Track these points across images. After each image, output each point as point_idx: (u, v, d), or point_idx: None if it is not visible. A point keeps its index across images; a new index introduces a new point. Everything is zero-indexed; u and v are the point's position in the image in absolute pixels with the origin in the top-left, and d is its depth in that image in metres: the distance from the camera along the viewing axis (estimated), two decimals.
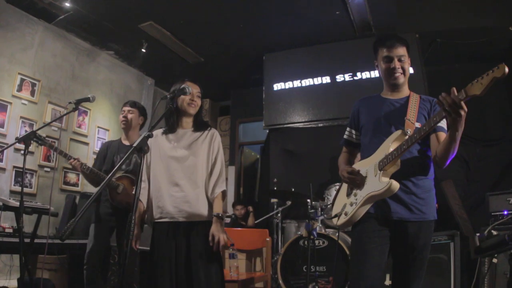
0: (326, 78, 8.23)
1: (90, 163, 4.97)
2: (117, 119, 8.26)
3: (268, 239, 5.05)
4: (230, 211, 8.38)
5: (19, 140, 3.88)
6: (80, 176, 7.70)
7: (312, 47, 8.40)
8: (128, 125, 5.01)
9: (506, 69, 2.27)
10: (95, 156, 5.04)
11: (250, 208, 8.41)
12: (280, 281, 5.67)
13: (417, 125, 2.92)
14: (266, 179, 8.75)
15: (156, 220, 3.46)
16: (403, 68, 3.14)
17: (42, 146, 6.92)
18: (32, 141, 4.08)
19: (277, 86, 8.64)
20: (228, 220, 8.06)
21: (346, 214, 3.04)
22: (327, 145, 7.56)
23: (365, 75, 7.88)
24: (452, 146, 2.68)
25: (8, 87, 6.68)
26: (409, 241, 2.86)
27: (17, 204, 4.23)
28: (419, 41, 7.44)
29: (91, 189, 7.44)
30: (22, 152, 6.29)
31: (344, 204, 3.12)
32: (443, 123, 2.71)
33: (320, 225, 5.97)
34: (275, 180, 7.43)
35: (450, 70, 8.12)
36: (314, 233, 4.93)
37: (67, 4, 6.93)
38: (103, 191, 4.60)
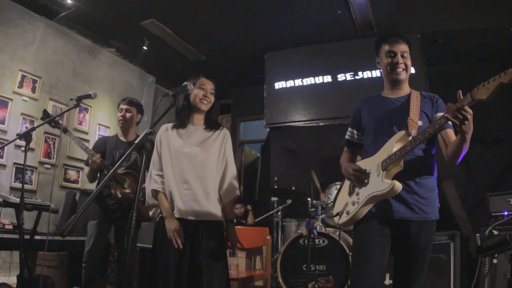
0: (327, 77, 8.23)
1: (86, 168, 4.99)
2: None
3: (268, 237, 5.06)
4: None
5: (20, 136, 3.88)
6: (81, 173, 7.70)
7: (313, 46, 8.40)
8: (125, 123, 5.04)
9: None
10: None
11: (249, 207, 8.41)
12: (280, 280, 5.67)
13: (420, 123, 2.92)
14: (267, 178, 8.75)
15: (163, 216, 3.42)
16: (405, 64, 3.15)
17: (43, 143, 6.96)
18: (45, 123, 4.17)
19: (278, 85, 8.64)
20: None
21: (347, 213, 3.03)
22: (328, 144, 7.55)
23: (367, 74, 7.88)
24: (463, 147, 2.70)
25: (9, 83, 6.67)
26: (411, 240, 2.86)
27: (17, 200, 4.22)
28: (421, 41, 7.44)
29: (91, 186, 7.43)
30: (23, 148, 6.32)
31: (346, 203, 3.11)
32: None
33: (321, 224, 5.97)
34: (276, 178, 7.43)
35: (451, 70, 8.13)
36: (315, 231, 4.93)
37: (69, 1, 6.93)
38: (104, 187, 4.58)
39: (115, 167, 2.71)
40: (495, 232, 4.69)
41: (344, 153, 3.53)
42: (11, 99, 6.67)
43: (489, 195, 5.49)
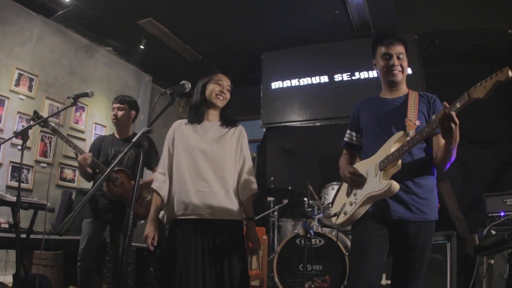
0: (324, 78, 8.23)
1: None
2: None
3: (264, 237, 5.06)
4: None
5: (17, 134, 3.87)
6: (77, 172, 7.68)
7: (310, 46, 8.40)
8: (118, 122, 5.03)
9: (510, 73, 2.28)
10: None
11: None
12: (276, 280, 5.66)
13: (418, 123, 2.94)
14: (263, 178, 8.74)
15: (179, 217, 3.34)
16: (401, 66, 3.17)
17: (40, 142, 6.94)
18: (36, 124, 4.17)
19: (275, 85, 8.64)
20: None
21: (345, 213, 3.04)
22: (324, 144, 7.58)
23: (363, 75, 7.88)
24: (449, 154, 2.74)
25: (6, 82, 6.65)
26: (409, 241, 2.87)
27: (13, 199, 4.21)
28: (418, 42, 7.45)
29: (88, 185, 7.40)
30: (19, 147, 6.31)
31: (344, 203, 3.13)
32: None
33: (317, 224, 5.97)
34: (272, 178, 7.42)
35: (449, 71, 8.12)
36: (311, 231, 4.93)
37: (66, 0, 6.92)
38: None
39: (111, 166, 2.70)
40: (493, 232, 4.71)
41: (343, 155, 3.54)
42: (8, 98, 6.65)
43: (486, 195, 5.50)
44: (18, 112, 6.78)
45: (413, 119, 2.96)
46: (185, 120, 3.63)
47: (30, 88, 7.02)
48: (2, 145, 6.22)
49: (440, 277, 5.03)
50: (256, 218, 7.17)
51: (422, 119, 3.01)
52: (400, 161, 2.82)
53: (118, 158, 2.71)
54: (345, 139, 3.50)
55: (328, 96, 8.10)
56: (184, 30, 8.02)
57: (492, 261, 4.76)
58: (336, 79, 8.12)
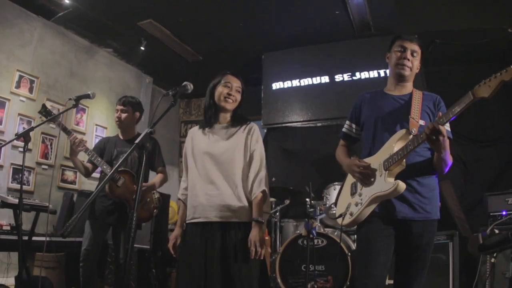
0: (324, 78, 8.22)
1: (85, 159, 4.95)
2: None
3: (266, 238, 5.05)
4: None
5: (19, 136, 3.88)
6: (78, 173, 7.67)
7: (311, 46, 8.39)
8: (122, 124, 5.04)
9: None
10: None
11: None
12: (279, 280, 5.65)
13: (421, 123, 2.95)
14: None
15: (188, 221, 3.36)
16: (412, 63, 3.19)
17: (41, 144, 6.94)
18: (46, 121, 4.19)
19: (276, 85, 8.63)
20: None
21: (351, 214, 3.04)
22: (325, 145, 7.52)
23: (364, 75, 7.86)
24: (442, 161, 2.79)
25: (6, 83, 6.64)
26: (413, 240, 2.88)
27: (15, 201, 4.22)
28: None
29: (89, 187, 7.43)
30: (20, 149, 6.31)
31: (349, 203, 3.12)
32: (447, 126, 2.71)
33: (319, 224, 5.96)
34: (274, 179, 7.42)
35: (449, 71, 8.12)
36: (314, 232, 4.93)
37: (67, 1, 6.90)
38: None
39: (115, 167, 2.70)
40: (496, 231, 4.72)
41: (340, 146, 3.54)
42: (9, 100, 6.64)
43: (487, 194, 5.51)
44: (19, 114, 6.76)
45: (416, 117, 2.96)
46: (198, 126, 3.64)
47: (30, 90, 7.01)
48: (3, 147, 6.22)
49: (443, 277, 5.04)
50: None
51: (426, 118, 3.01)
52: (404, 160, 2.82)
53: (122, 159, 2.70)
54: (344, 130, 3.50)
55: (329, 96, 8.09)
56: (184, 31, 8.01)
57: (494, 260, 4.77)
58: (337, 79, 8.11)
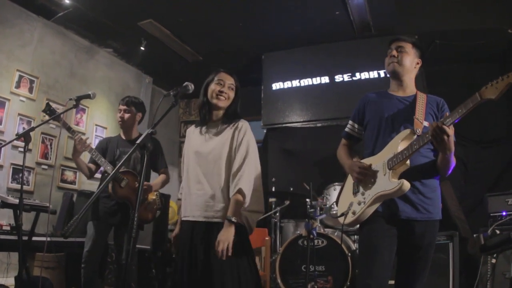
0: (325, 78, 8.22)
1: (86, 160, 4.94)
2: (115, 117, 8.25)
3: (267, 238, 5.05)
4: None
5: (19, 136, 3.87)
6: (78, 174, 7.67)
7: (311, 47, 8.39)
8: (124, 124, 5.03)
9: None
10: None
11: None
12: (279, 281, 5.66)
13: (426, 124, 2.96)
14: (264, 179, 8.73)
15: (182, 219, 3.40)
16: (399, 58, 3.23)
17: (40, 144, 6.93)
18: (49, 120, 4.22)
19: (276, 86, 8.63)
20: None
21: (354, 213, 3.04)
22: (326, 145, 7.55)
23: (364, 75, 7.85)
24: (447, 163, 2.80)
25: (6, 83, 6.64)
26: (416, 240, 2.90)
27: (15, 201, 4.21)
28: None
29: (89, 187, 7.42)
30: (20, 149, 6.31)
31: (351, 202, 3.12)
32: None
33: (319, 225, 5.96)
34: (274, 179, 7.42)
35: (449, 71, 8.12)
36: (314, 232, 4.93)
37: (67, 1, 6.90)
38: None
39: (117, 166, 2.69)
40: (497, 232, 4.72)
41: (341, 146, 3.55)
42: (8, 100, 6.63)
43: (488, 195, 5.52)
44: (19, 114, 6.76)
45: (420, 118, 2.98)
46: (195, 125, 3.66)
47: (30, 90, 7.01)
48: (3, 147, 6.21)
49: (443, 277, 5.03)
50: (258, 219, 7.22)
51: (430, 120, 3.02)
52: (408, 160, 2.83)
53: (123, 159, 2.70)
54: (347, 129, 3.51)
55: (329, 96, 8.10)
56: (184, 31, 8.01)
57: (494, 260, 4.77)
58: (337, 80, 8.11)
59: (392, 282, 3.10)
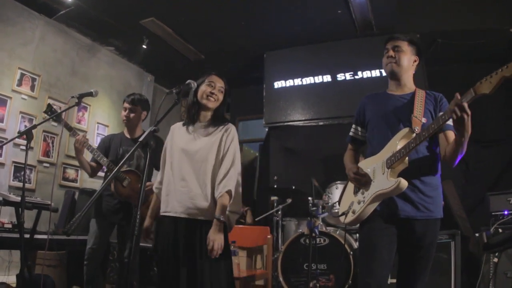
0: (327, 77, 8.22)
1: (88, 158, 4.92)
2: (117, 115, 8.28)
3: (269, 236, 5.04)
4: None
5: (21, 133, 3.85)
6: (79, 171, 7.69)
7: (313, 45, 8.40)
8: (129, 123, 4.99)
9: None
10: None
11: (245, 208, 8.40)
12: (281, 279, 5.66)
13: (424, 120, 2.96)
14: (266, 177, 8.73)
15: (162, 214, 3.41)
16: (396, 58, 3.22)
17: (42, 142, 6.93)
18: (50, 118, 4.29)
19: (278, 84, 8.63)
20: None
21: (354, 212, 3.07)
22: (327, 144, 7.58)
23: (366, 74, 7.86)
24: (460, 148, 2.75)
25: (8, 81, 6.65)
26: (416, 239, 2.89)
27: (17, 199, 4.21)
28: (420, 41, 7.45)
29: (90, 185, 7.43)
30: (22, 147, 6.31)
31: (351, 202, 3.15)
32: (451, 121, 2.71)
33: (321, 223, 5.96)
34: (276, 177, 7.42)
35: (451, 71, 8.12)
36: (316, 230, 4.93)
37: None
38: (107, 186, 4.56)
39: (119, 165, 2.69)
40: (500, 230, 4.73)
41: (348, 150, 3.57)
42: (10, 98, 6.65)
43: (489, 194, 5.51)
44: (21, 112, 6.78)
45: (419, 116, 2.98)
46: (181, 123, 3.69)
47: (32, 88, 7.02)
48: (4, 145, 6.21)
49: (444, 276, 5.04)
50: (260, 217, 7.25)
51: (429, 117, 3.03)
52: (407, 158, 2.83)
53: (125, 158, 2.69)
54: (350, 133, 3.53)
55: (331, 95, 8.09)
56: (186, 29, 8.02)
57: (496, 259, 4.77)
58: (339, 78, 8.11)
59: (393, 280, 3.10)
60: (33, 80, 7.04)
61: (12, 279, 5.51)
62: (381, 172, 2.93)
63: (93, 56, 8.43)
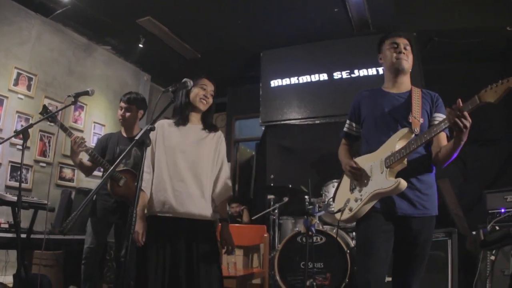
0: (323, 75, 8.22)
1: (85, 157, 4.89)
2: (113, 115, 8.27)
3: (265, 235, 5.04)
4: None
5: (17, 133, 3.84)
6: (76, 171, 7.67)
7: (309, 44, 8.39)
8: (125, 122, 4.97)
9: None
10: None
11: (241, 206, 8.40)
12: (278, 278, 5.65)
13: (421, 121, 2.98)
14: (262, 176, 8.74)
15: (154, 214, 3.39)
16: (408, 56, 3.23)
17: (39, 141, 6.92)
18: (44, 119, 4.22)
19: (274, 83, 8.63)
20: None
21: (350, 209, 3.07)
22: (324, 142, 7.56)
23: (363, 72, 7.88)
24: (454, 153, 2.79)
25: (4, 81, 6.64)
26: (412, 236, 2.91)
27: (14, 199, 4.21)
28: (417, 40, 7.46)
29: (87, 185, 7.42)
30: (18, 146, 6.30)
31: (348, 199, 3.15)
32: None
33: (318, 222, 5.96)
34: (272, 176, 7.42)
35: (448, 69, 8.12)
36: (313, 229, 4.92)
37: None
38: (103, 186, 4.55)
39: (114, 164, 2.68)
40: (497, 228, 4.73)
41: (342, 145, 3.58)
42: (7, 97, 6.64)
43: (486, 192, 5.51)
44: (17, 112, 6.77)
45: (417, 116, 3.00)
46: (169, 121, 3.68)
47: (28, 87, 7.01)
48: (1, 145, 6.20)
49: (441, 274, 5.05)
50: (257, 216, 7.25)
51: (425, 117, 3.06)
52: (406, 159, 2.83)
53: (121, 157, 2.69)
54: (345, 129, 3.54)
55: (328, 94, 8.10)
56: (183, 28, 8.01)
57: (493, 257, 4.78)
58: (335, 77, 8.12)
59: (389, 279, 3.11)
60: (30, 79, 7.03)
61: (9, 279, 5.49)
62: (379, 171, 2.94)
63: (90, 56, 8.42)
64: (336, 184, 6.14)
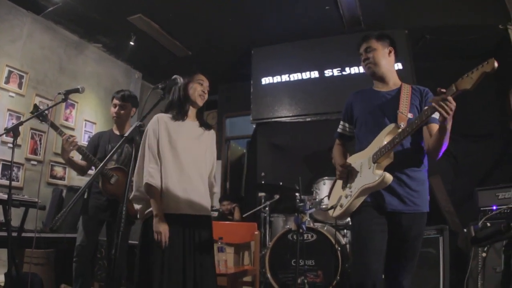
0: (314, 73, 8.22)
1: (76, 156, 4.86)
2: (104, 112, 8.25)
3: (256, 232, 5.04)
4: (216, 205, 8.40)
5: (7, 130, 3.83)
6: (67, 169, 7.66)
7: (301, 41, 8.38)
8: (119, 120, 4.95)
9: (496, 64, 2.41)
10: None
11: (233, 204, 8.40)
12: (269, 275, 5.66)
13: (410, 116, 3.03)
14: (253, 173, 8.74)
15: (169, 212, 3.33)
16: (371, 58, 3.30)
17: (30, 139, 6.90)
18: (34, 116, 4.20)
19: (265, 80, 8.62)
20: (215, 214, 8.02)
21: (341, 206, 3.16)
22: (315, 140, 7.60)
23: (354, 70, 7.88)
24: (443, 139, 2.79)
25: None
26: (402, 232, 2.95)
27: (4, 197, 4.19)
28: (409, 37, 7.47)
29: (78, 183, 7.41)
30: (9, 145, 6.27)
31: (340, 196, 3.24)
32: (436, 114, 2.72)
33: (309, 219, 5.96)
34: (263, 174, 7.42)
35: (439, 66, 8.13)
36: (304, 226, 4.93)
37: None
38: (95, 183, 4.53)
39: (103, 162, 2.67)
40: (488, 224, 4.75)
41: (336, 145, 3.65)
42: None
43: (478, 189, 5.52)
44: (8, 110, 6.74)
45: (404, 112, 3.04)
46: (167, 115, 3.60)
47: (20, 85, 6.98)
48: None
49: (433, 271, 5.06)
50: (248, 213, 7.26)
51: (415, 111, 3.09)
52: (392, 153, 2.89)
53: (110, 154, 2.68)
54: (338, 129, 3.60)
55: (319, 91, 8.10)
56: (174, 26, 8.00)
57: (484, 254, 4.80)
58: (326, 74, 8.11)
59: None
60: (21, 77, 7.01)
61: (0, 278, 5.48)
62: (367, 167, 3.00)
63: (81, 53, 8.40)
64: (326, 182, 6.21)
